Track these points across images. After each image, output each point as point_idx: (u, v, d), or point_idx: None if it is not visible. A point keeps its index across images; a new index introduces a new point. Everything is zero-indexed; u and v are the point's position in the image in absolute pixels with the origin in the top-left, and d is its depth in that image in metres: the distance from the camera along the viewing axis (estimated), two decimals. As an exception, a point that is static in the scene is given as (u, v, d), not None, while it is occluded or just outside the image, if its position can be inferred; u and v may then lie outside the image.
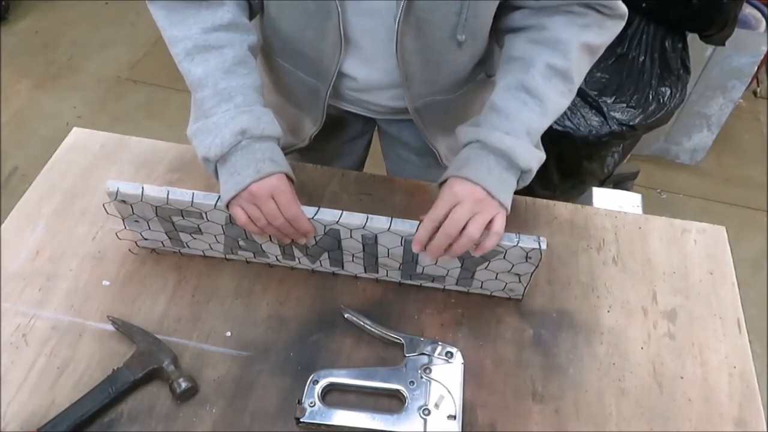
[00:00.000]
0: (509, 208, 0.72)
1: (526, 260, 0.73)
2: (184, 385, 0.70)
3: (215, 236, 0.80)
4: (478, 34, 0.80)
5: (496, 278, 0.77)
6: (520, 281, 0.77)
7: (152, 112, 2.34)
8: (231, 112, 0.71)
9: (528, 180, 0.74)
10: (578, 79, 0.77)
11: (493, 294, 0.81)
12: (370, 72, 0.85)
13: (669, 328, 0.80)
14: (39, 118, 2.30)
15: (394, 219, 0.73)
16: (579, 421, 0.72)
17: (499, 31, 0.83)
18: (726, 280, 0.85)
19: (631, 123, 1.52)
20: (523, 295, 0.80)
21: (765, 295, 1.82)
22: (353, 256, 0.78)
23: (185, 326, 0.78)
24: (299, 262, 0.82)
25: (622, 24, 0.78)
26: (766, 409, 0.74)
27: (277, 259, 0.82)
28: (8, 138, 2.22)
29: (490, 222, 0.70)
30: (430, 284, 0.82)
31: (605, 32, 0.77)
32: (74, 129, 1.02)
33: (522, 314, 0.81)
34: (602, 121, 1.51)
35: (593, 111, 1.52)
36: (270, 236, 0.77)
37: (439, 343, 0.75)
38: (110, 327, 0.77)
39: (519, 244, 0.70)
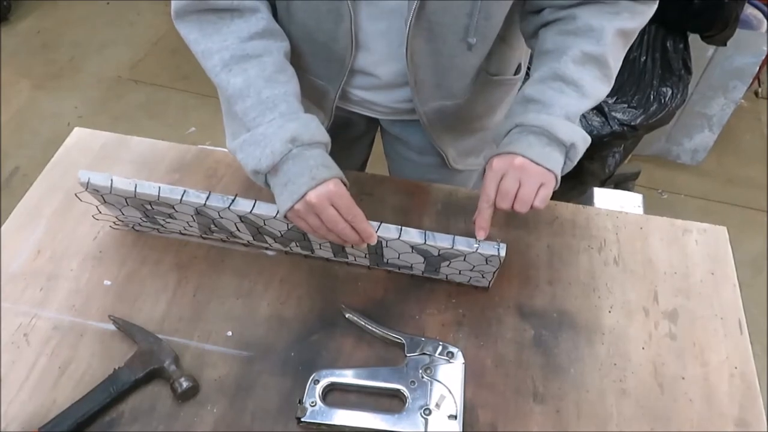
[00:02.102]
0: (559, 176, 0.72)
1: (486, 263, 0.74)
2: (185, 384, 0.70)
3: (187, 222, 0.81)
4: (488, 37, 0.80)
5: (459, 273, 0.79)
6: (483, 277, 0.79)
7: (153, 112, 2.34)
8: (277, 121, 0.69)
9: (575, 157, 0.73)
10: (615, 65, 0.76)
11: (459, 283, 0.82)
12: (379, 74, 0.85)
13: (670, 329, 0.80)
14: (40, 118, 2.30)
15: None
16: (580, 422, 0.72)
17: (529, 33, 0.83)
18: (727, 280, 0.85)
19: (632, 123, 1.52)
20: (488, 286, 0.81)
21: (765, 296, 1.82)
22: (320, 244, 0.80)
23: (186, 326, 0.78)
24: (271, 247, 0.84)
25: (654, 6, 0.77)
26: (767, 410, 0.74)
27: (249, 243, 0.84)
28: (9, 138, 2.22)
29: (540, 186, 0.71)
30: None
31: (637, 17, 0.76)
32: (75, 129, 1.02)
33: (523, 314, 0.81)
34: (603, 121, 1.51)
35: (594, 111, 1.52)
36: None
37: (440, 343, 0.75)
38: (111, 327, 0.77)
39: (478, 251, 0.72)
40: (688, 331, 0.80)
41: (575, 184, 1.66)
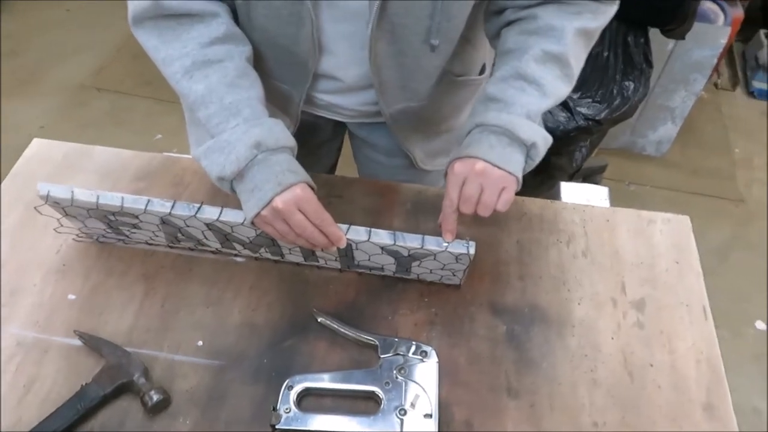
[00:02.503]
0: (520, 178, 0.72)
1: (456, 261, 0.74)
2: (155, 397, 0.69)
3: (153, 232, 0.80)
4: (450, 38, 0.80)
5: (430, 272, 0.79)
6: (454, 275, 0.79)
7: (118, 120, 2.30)
8: (241, 127, 0.69)
9: (536, 157, 0.74)
10: (576, 64, 0.76)
11: (431, 282, 0.82)
12: (343, 78, 0.85)
13: (638, 318, 0.81)
14: (3, 127, 2.24)
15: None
16: (553, 414, 0.72)
17: (492, 34, 0.83)
18: (691, 268, 0.87)
19: (597, 117, 1.55)
20: (460, 283, 0.81)
21: (731, 282, 1.86)
22: (290, 249, 0.79)
23: (155, 337, 0.76)
24: (240, 253, 0.83)
25: (615, 6, 0.77)
26: (735, 392, 0.75)
27: (217, 251, 0.83)
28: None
29: (502, 190, 0.71)
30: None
31: (600, 16, 0.76)
32: (35, 140, 0.99)
33: (495, 311, 0.81)
34: (569, 116, 1.53)
35: (560, 107, 1.54)
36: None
37: (414, 342, 0.75)
38: (77, 342, 0.75)
39: (448, 249, 0.72)
40: (655, 319, 0.81)
41: (544, 179, 1.68)
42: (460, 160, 0.72)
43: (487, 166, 0.70)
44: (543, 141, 0.74)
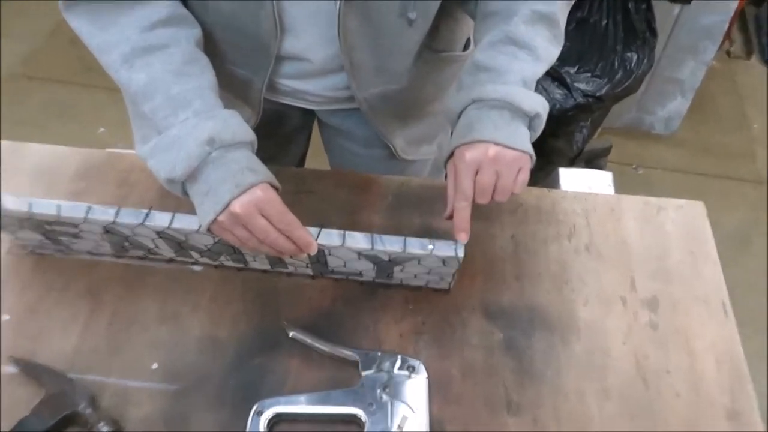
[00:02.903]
0: (533, 154, 0.74)
1: (444, 265, 0.75)
2: (104, 429, 0.68)
3: (96, 242, 0.80)
4: (429, 11, 0.80)
5: (415, 277, 0.79)
6: (442, 279, 0.79)
7: (56, 113, 2.27)
8: (192, 120, 0.68)
9: (539, 127, 0.75)
10: (563, 25, 0.78)
11: (417, 287, 0.83)
12: (310, 60, 0.84)
13: (650, 318, 0.82)
14: None
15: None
16: (560, 429, 0.72)
17: None
18: (708, 259, 0.88)
19: (597, 94, 1.55)
20: (449, 287, 0.82)
21: (752, 273, 1.88)
22: (254, 256, 0.79)
23: (103, 361, 0.75)
24: (197, 261, 0.83)
25: None
26: (761, 396, 0.76)
27: (172, 259, 0.83)
28: None
29: (518, 172, 0.73)
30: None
31: None
32: (-45, 139, 0.97)
33: (489, 316, 0.81)
34: (566, 93, 1.54)
35: (555, 83, 1.54)
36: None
37: (399, 356, 0.75)
38: (12, 369, 0.74)
39: (434, 253, 0.72)
40: (669, 318, 0.82)
41: (541, 165, 1.67)
42: (469, 147, 0.72)
43: (500, 150, 0.71)
44: (543, 109, 0.75)
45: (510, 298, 0.83)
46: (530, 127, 0.75)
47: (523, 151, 0.72)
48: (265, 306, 0.81)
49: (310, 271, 0.82)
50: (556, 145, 1.66)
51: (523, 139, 0.73)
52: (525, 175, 0.74)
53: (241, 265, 0.83)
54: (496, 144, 0.71)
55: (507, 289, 0.84)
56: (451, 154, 0.75)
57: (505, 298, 0.83)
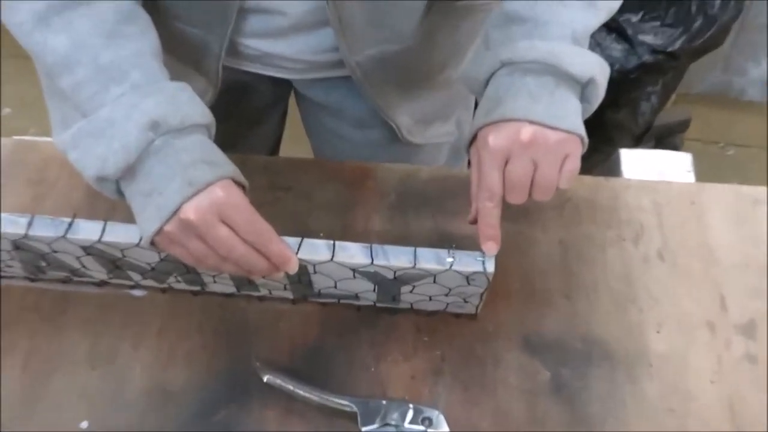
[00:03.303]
0: (584, 135, 0.73)
1: (468, 283, 0.75)
2: None
3: (4, 261, 0.80)
4: None
5: (430, 300, 0.80)
6: (466, 301, 0.80)
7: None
8: (129, 98, 0.67)
9: (595, 98, 0.75)
10: None
11: (431, 311, 0.83)
12: (285, 13, 0.85)
13: (748, 348, 0.82)
14: None
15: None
16: (628, 499, 0.73)
17: None
18: (822, 268, 0.88)
19: (669, 49, 1.56)
20: (476, 311, 0.82)
21: None
22: (215, 276, 0.79)
23: (15, 417, 0.75)
24: (138, 284, 0.84)
25: None
26: None
27: (104, 282, 0.84)
28: None
29: (564, 160, 0.72)
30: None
31: None
32: None
33: (531, 348, 0.81)
34: (628, 49, 1.54)
35: (613, 36, 1.55)
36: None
37: (411, 405, 0.75)
38: None
39: (454, 268, 0.72)
40: (772, 348, 0.82)
41: (596, 145, 1.68)
42: (496, 128, 0.72)
43: (537, 131, 0.70)
44: (601, 72, 0.74)
45: (558, 324, 0.83)
46: (583, 98, 0.74)
47: (571, 132, 0.72)
48: (231, 341, 0.81)
49: (289, 294, 0.82)
50: (617, 118, 1.66)
51: (571, 114, 0.72)
52: (574, 164, 0.73)
53: (197, 288, 0.83)
54: (532, 123, 0.70)
55: (554, 312, 0.84)
56: (474, 138, 0.75)
57: (552, 324, 0.83)
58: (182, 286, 0.83)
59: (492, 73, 0.75)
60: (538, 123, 0.71)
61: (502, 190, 0.73)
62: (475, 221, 0.75)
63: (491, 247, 0.73)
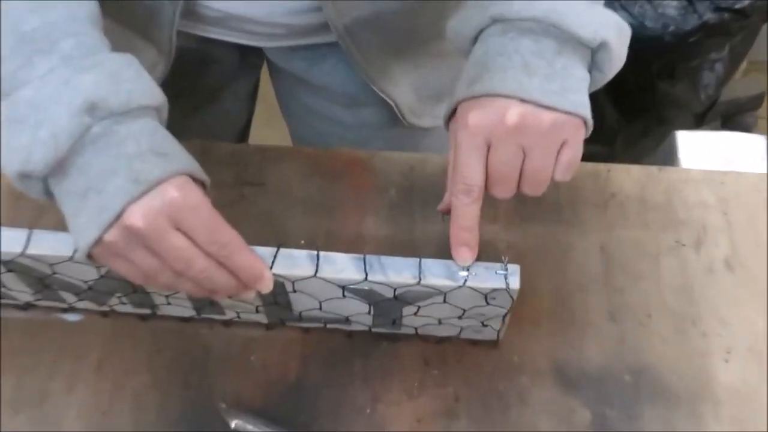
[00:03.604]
0: (588, 116, 0.72)
1: (487, 302, 0.75)
2: None
3: None
4: None
5: (439, 324, 0.80)
6: (485, 325, 0.80)
7: None
8: (59, 73, 0.67)
9: (611, 65, 0.74)
10: None
11: (442, 337, 0.84)
12: None
13: (839, 379, 0.82)
14: None
15: None
16: None
17: None
18: None
19: (737, 5, 1.55)
20: (498, 337, 0.82)
21: None
22: (168, 296, 0.79)
23: None
24: (72, 307, 0.84)
25: None
26: None
27: (29, 305, 0.84)
28: None
29: (561, 147, 0.72)
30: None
31: None
32: None
33: (567, 382, 0.81)
34: (685, 6, 1.54)
35: (667, -11, 1.55)
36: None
37: (416, 454, 0.75)
38: None
39: (468, 284, 0.72)
40: None
41: (647, 127, 1.69)
42: (475, 105, 0.71)
43: (528, 112, 0.70)
44: (618, 35, 0.73)
45: (600, 353, 0.83)
46: (594, 65, 0.74)
47: (571, 113, 0.71)
48: (189, 378, 0.81)
49: (263, 318, 0.83)
50: (672, 92, 1.66)
51: (573, 90, 0.71)
52: (573, 152, 0.72)
53: (146, 312, 0.83)
54: (523, 101, 0.70)
55: (595, 336, 0.84)
56: (454, 112, 0.75)
57: (593, 352, 0.83)
58: (127, 308, 0.83)
59: (481, 30, 0.75)
60: (532, 102, 0.70)
61: (482, 182, 0.72)
62: (446, 211, 0.75)
63: (464, 255, 0.73)
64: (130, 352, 0.83)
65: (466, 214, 0.73)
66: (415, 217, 0.92)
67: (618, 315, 0.85)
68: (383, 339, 0.83)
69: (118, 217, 0.65)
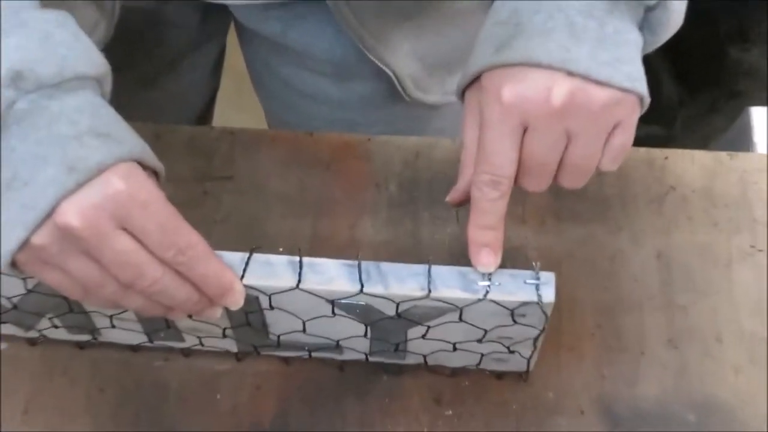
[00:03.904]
0: (645, 92, 0.72)
1: (514, 320, 0.74)
2: None
3: None
4: None
5: (454, 350, 0.80)
6: (512, 351, 0.79)
7: None
8: None
9: (666, 27, 0.74)
10: None
11: (460, 368, 0.84)
12: None
13: None
14: None
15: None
16: None
17: None
18: None
19: (827, -52, 1.56)
20: (528, 367, 0.82)
21: None
22: (112, 317, 0.79)
23: None
24: None
25: None
26: None
27: None
28: None
29: (613, 130, 0.72)
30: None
31: None
32: None
33: (615, 422, 0.81)
34: (761, -50, 1.54)
35: None
36: None
37: None
38: None
39: (490, 297, 0.72)
40: None
41: (715, 102, 1.69)
42: (509, 76, 0.71)
43: (578, 90, 0.70)
44: None
45: (658, 387, 0.83)
46: (645, 26, 0.74)
47: (626, 90, 0.72)
48: (140, 422, 0.81)
49: (232, 345, 0.83)
50: (745, 59, 1.66)
51: (627, 59, 0.72)
52: (625, 136, 0.73)
53: (85, 337, 0.84)
54: (570, 74, 0.70)
55: (651, 367, 0.84)
56: (475, 80, 0.75)
57: (648, 385, 0.83)
58: (62, 334, 0.83)
59: None
60: (579, 75, 0.70)
61: (514, 172, 0.72)
62: (458, 203, 0.76)
63: (486, 260, 0.73)
64: (65, 391, 0.83)
65: (490, 211, 0.73)
66: (421, 217, 0.92)
67: (680, 340, 0.85)
68: (383, 371, 0.83)
69: (49, 214, 0.65)
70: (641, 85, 0.71)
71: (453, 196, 0.77)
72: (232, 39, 1.15)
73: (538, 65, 0.70)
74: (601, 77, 0.70)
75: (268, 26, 1.05)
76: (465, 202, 0.74)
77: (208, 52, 1.14)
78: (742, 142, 1.15)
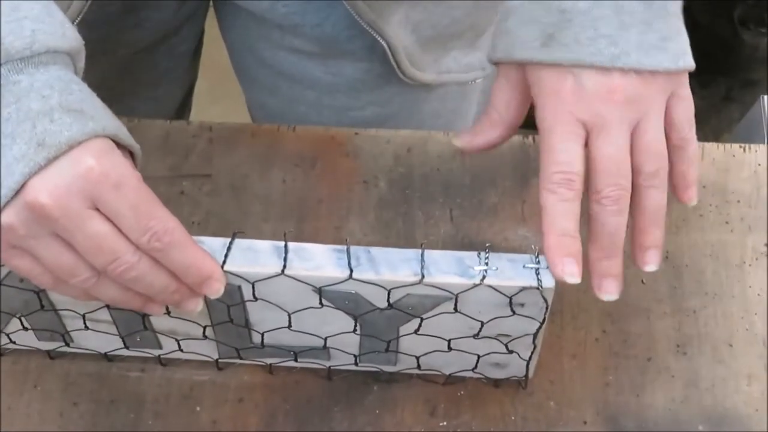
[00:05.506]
0: (692, 65, 0.74)
1: (513, 311, 0.75)
2: None
3: None
4: None
5: (449, 349, 0.79)
6: (511, 351, 0.79)
7: None
8: None
9: None
10: None
11: (454, 376, 0.84)
12: None
13: None
14: None
15: None
16: None
17: None
18: None
19: None
20: (527, 372, 0.82)
21: None
22: (84, 316, 0.79)
23: None
24: None
25: None
26: None
27: None
28: None
29: (669, 101, 0.74)
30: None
31: None
32: None
33: (622, 429, 0.82)
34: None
35: None
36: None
37: None
38: None
39: (486, 282, 0.72)
40: None
41: (728, 90, 1.69)
42: (563, 76, 0.73)
43: (632, 86, 0.72)
44: None
45: (666, 396, 0.84)
46: None
47: (676, 71, 0.74)
48: (114, 436, 0.82)
49: (213, 351, 0.83)
50: (760, 45, 1.67)
51: (673, 35, 0.74)
52: (686, 103, 0.75)
53: (56, 344, 0.84)
54: (623, 71, 0.72)
55: (659, 375, 0.85)
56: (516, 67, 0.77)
57: (657, 395, 0.84)
58: (30, 340, 0.83)
59: None
60: (632, 69, 0.72)
61: (583, 168, 0.73)
62: (472, 148, 0.77)
63: (570, 270, 0.72)
64: (36, 406, 0.83)
65: (566, 213, 0.73)
66: (414, 216, 0.92)
67: (689, 346, 0.86)
68: (374, 380, 0.84)
69: (17, 193, 0.66)
70: (687, 60, 0.74)
71: (468, 138, 0.77)
72: (210, 32, 1.15)
73: (591, 66, 0.72)
74: (651, 66, 0.72)
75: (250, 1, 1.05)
76: (475, 149, 0.76)
77: (186, 37, 1.14)
78: (757, 133, 1.15)
